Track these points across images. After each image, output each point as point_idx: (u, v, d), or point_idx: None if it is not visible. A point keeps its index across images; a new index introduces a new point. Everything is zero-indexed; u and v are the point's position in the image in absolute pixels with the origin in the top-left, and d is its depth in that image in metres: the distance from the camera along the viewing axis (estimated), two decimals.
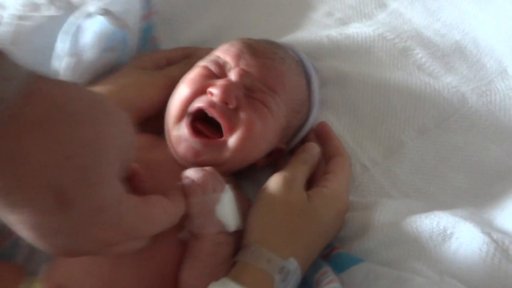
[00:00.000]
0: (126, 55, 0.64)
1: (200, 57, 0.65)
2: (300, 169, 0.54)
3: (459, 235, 0.47)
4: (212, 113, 0.51)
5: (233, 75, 0.54)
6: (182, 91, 0.55)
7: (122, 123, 0.37)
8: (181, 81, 0.57)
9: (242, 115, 0.52)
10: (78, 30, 0.61)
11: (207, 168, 0.49)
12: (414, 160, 0.61)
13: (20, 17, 0.62)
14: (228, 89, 0.51)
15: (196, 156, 0.52)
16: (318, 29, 0.73)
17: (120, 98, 0.56)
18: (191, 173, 0.48)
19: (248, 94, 0.54)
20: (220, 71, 0.56)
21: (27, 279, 0.51)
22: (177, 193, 0.46)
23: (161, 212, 0.41)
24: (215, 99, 0.52)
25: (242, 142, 0.52)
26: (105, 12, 0.60)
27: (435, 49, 0.68)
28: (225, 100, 0.51)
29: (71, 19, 0.60)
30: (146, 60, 0.64)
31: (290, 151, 0.62)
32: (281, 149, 0.60)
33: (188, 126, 0.52)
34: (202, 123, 0.53)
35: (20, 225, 0.33)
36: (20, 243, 0.58)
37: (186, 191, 0.46)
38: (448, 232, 0.48)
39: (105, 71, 0.62)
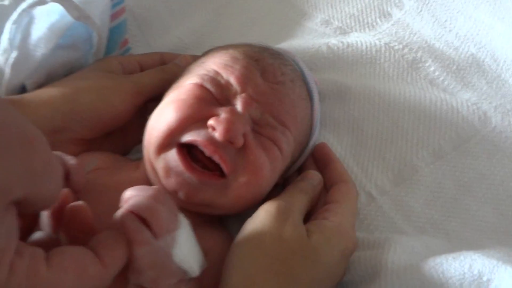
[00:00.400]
0: (90, 56, 0.54)
1: (179, 65, 0.55)
2: (298, 198, 0.44)
3: (499, 283, 0.37)
4: (212, 153, 0.41)
5: (239, 105, 0.44)
6: (170, 115, 0.43)
7: (8, 142, 0.25)
8: (166, 100, 0.47)
9: (250, 156, 0.43)
10: (28, 22, 0.51)
11: (153, 189, 0.35)
12: (430, 189, 0.51)
13: None
14: (234, 126, 0.41)
15: (194, 192, 0.42)
16: (315, 37, 0.64)
17: (74, 103, 0.46)
18: (135, 206, 0.33)
19: (255, 129, 0.44)
20: (221, 95, 0.45)
21: None
22: (114, 239, 0.31)
23: (72, 280, 0.28)
24: (217, 136, 0.41)
25: (247, 188, 0.43)
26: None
27: (449, 62, 0.60)
28: (230, 140, 0.41)
29: (23, 5, 0.50)
30: (114, 62, 0.54)
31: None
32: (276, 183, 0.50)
33: (182, 157, 0.42)
34: (195, 151, 0.43)
35: None
36: None
37: (129, 237, 0.32)
38: (485, 278, 0.38)
39: (62, 72, 0.52)
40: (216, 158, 0.41)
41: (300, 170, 0.53)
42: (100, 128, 0.48)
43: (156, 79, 0.53)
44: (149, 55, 0.59)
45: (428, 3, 0.65)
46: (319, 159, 0.52)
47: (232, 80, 0.45)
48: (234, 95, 0.45)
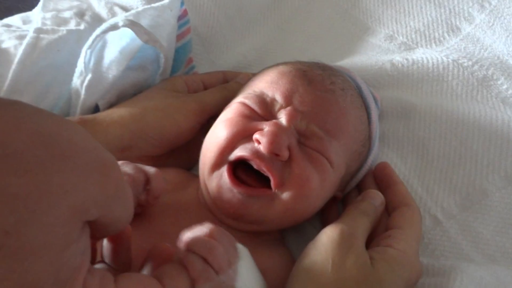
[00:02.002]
0: (157, 76, 0.57)
1: (240, 82, 0.57)
2: (360, 222, 0.43)
3: None
4: (259, 165, 0.42)
5: (284, 118, 0.44)
6: (219, 134, 0.45)
7: (87, 166, 0.26)
8: (218, 120, 0.48)
9: (296, 168, 0.43)
10: (102, 47, 0.54)
11: (208, 227, 0.35)
12: (501, 215, 0.49)
13: (43, 31, 0.57)
14: (278, 138, 0.42)
15: (243, 207, 0.42)
16: (378, 54, 0.64)
17: (142, 122, 0.49)
18: (195, 244, 0.34)
19: (301, 142, 0.44)
20: (265, 111, 0.46)
21: None
22: (178, 271, 0.33)
23: None
24: (262, 149, 0.42)
25: (295, 201, 0.43)
26: (132, 24, 0.53)
27: None
28: (274, 152, 0.42)
29: (96, 32, 0.53)
30: (179, 81, 0.56)
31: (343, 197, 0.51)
32: (336, 197, 0.50)
33: (230, 175, 0.43)
34: (244, 170, 0.44)
35: None
36: None
37: (193, 274, 0.32)
38: None
39: (132, 92, 0.55)
40: (263, 170, 0.42)
41: (360, 187, 0.52)
42: (165, 145, 0.51)
43: (218, 97, 0.55)
44: (212, 73, 0.61)
45: (501, 16, 0.62)
46: (380, 179, 0.50)
47: (278, 96, 0.46)
48: (279, 109, 0.45)
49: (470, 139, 0.52)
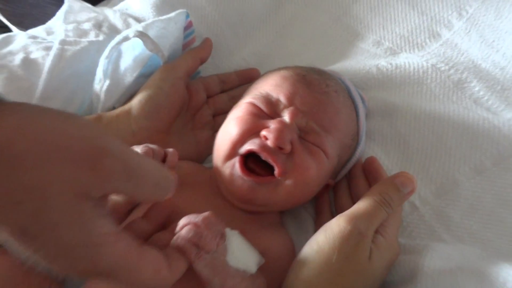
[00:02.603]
0: None
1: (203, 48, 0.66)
2: (377, 217, 0.47)
3: None
4: (266, 157, 0.49)
5: (286, 116, 0.52)
6: (231, 130, 0.52)
7: (79, 160, 0.32)
8: (229, 117, 0.55)
9: (297, 159, 0.50)
10: (118, 56, 0.61)
11: (201, 217, 0.42)
12: (470, 202, 0.56)
13: (67, 42, 0.64)
14: (282, 134, 0.49)
15: (251, 192, 0.50)
16: (366, 58, 0.70)
17: (139, 104, 0.57)
18: (184, 234, 0.41)
19: (302, 136, 0.52)
20: (271, 110, 0.53)
21: None
22: (178, 254, 0.40)
23: (148, 275, 0.37)
24: (269, 143, 0.49)
25: (296, 186, 0.50)
26: (140, 35, 0.60)
27: (494, 82, 0.63)
28: (279, 146, 0.49)
29: (112, 43, 0.60)
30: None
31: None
32: (328, 184, 0.57)
33: (241, 165, 0.50)
34: (253, 160, 0.51)
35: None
36: None
37: (187, 257, 0.40)
38: (509, 285, 0.42)
39: None
40: (269, 161, 0.49)
41: (349, 176, 0.60)
42: (164, 113, 0.58)
43: (187, 59, 0.63)
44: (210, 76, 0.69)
45: (477, 23, 0.69)
46: (369, 172, 0.58)
47: (281, 97, 0.53)
48: (283, 109, 0.52)
49: (445, 135, 0.59)
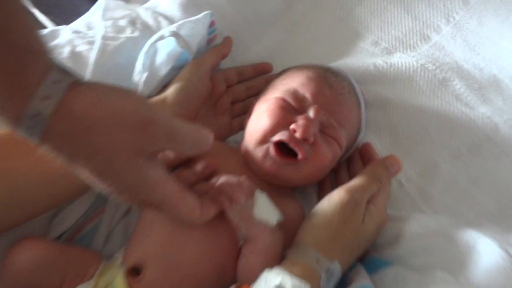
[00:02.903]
0: None
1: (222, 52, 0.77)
2: (369, 190, 0.58)
3: (480, 248, 0.53)
4: (293, 146, 0.60)
5: (311, 112, 0.62)
6: (264, 121, 0.62)
7: (134, 126, 0.43)
8: (261, 109, 0.65)
9: (317, 149, 0.61)
10: (154, 51, 0.72)
11: (238, 178, 0.55)
12: (446, 181, 0.67)
13: (108, 37, 0.74)
14: (308, 128, 0.59)
15: (279, 171, 0.61)
16: (365, 56, 0.80)
17: (176, 91, 0.68)
18: (227, 187, 0.54)
19: (322, 130, 0.63)
20: (298, 106, 0.63)
21: (105, 262, 0.61)
22: (210, 204, 0.54)
23: (186, 211, 0.51)
24: (297, 135, 0.60)
25: (314, 169, 0.62)
26: (174, 34, 0.70)
27: (473, 81, 0.74)
28: (305, 138, 0.59)
29: (149, 41, 0.70)
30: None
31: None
32: (334, 168, 0.69)
33: (276, 150, 0.61)
34: (283, 146, 0.62)
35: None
36: (97, 229, 0.69)
37: (221, 205, 0.54)
38: (471, 244, 0.54)
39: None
40: (296, 149, 0.60)
41: (348, 159, 0.71)
42: (193, 103, 0.69)
43: (210, 56, 0.74)
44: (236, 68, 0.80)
45: (462, 29, 0.79)
46: (364, 155, 0.69)
47: (308, 95, 0.63)
48: (309, 105, 0.63)
49: (429, 125, 0.70)
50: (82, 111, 0.41)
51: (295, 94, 0.64)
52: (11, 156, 0.56)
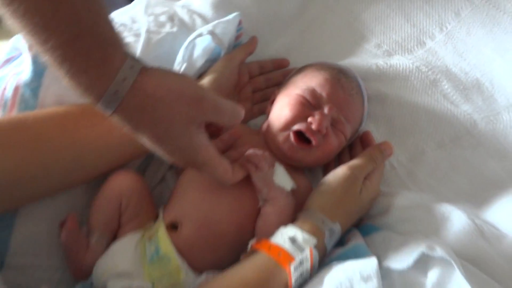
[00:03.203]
0: None
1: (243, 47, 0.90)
2: (366, 168, 0.71)
3: (452, 218, 0.67)
4: (309, 135, 0.73)
5: (326, 109, 0.75)
6: (287, 113, 0.75)
7: (189, 101, 0.55)
8: (284, 102, 0.78)
9: (327, 139, 0.74)
10: (193, 46, 0.85)
11: (261, 152, 0.69)
12: (431, 166, 0.80)
13: (151, 31, 0.87)
14: (322, 122, 0.72)
15: (295, 153, 0.74)
16: (369, 57, 0.93)
17: (210, 82, 0.80)
18: (253, 157, 0.68)
19: (333, 124, 0.76)
20: (315, 102, 0.76)
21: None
22: (239, 169, 0.67)
23: (221, 172, 0.63)
24: (313, 127, 0.73)
25: (323, 154, 0.76)
26: (211, 33, 0.83)
27: (458, 83, 0.86)
28: (320, 130, 0.73)
29: (189, 38, 0.83)
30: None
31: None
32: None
33: (295, 137, 0.74)
34: (300, 134, 0.75)
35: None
36: None
37: (251, 173, 0.67)
38: (446, 215, 0.67)
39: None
40: (311, 138, 0.73)
41: (351, 146, 0.84)
42: (223, 92, 0.81)
43: (239, 53, 0.87)
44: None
45: (453, 37, 0.91)
46: (363, 141, 0.82)
47: (324, 94, 0.76)
48: (324, 103, 0.76)
49: (419, 119, 0.83)
50: (151, 90, 0.53)
51: (313, 93, 0.76)
52: (78, 127, 0.69)
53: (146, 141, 0.58)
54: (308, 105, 0.76)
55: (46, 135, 0.66)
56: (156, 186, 0.85)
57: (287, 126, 0.75)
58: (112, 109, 0.54)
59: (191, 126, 0.57)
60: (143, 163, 0.84)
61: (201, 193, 0.72)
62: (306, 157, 0.75)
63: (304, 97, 0.77)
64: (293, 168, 0.77)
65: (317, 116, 0.73)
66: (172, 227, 0.72)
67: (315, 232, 0.65)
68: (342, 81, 0.79)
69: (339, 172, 0.71)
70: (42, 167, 0.65)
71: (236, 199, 0.71)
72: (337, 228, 0.67)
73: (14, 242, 0.70)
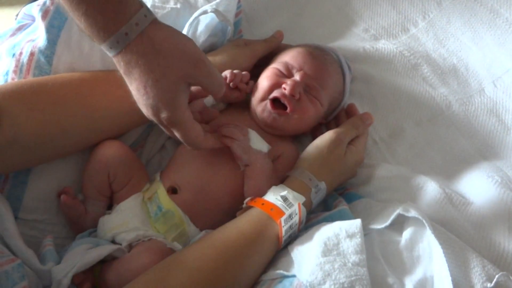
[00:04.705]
0: (224, 39, 0.94)
1: (275, 37, 0.96)
2: (350, 134, 0.79)
3: (425, 187, 0.75)
4: (284, 100, 0.80)
5: (298, 77, 0.82)
6: (264, 84, 0.83)
7: (189, 59, 0.60)
8: (261, 77, 0.85)
9: (302, 104, 0.81)
10: (197, 23, 0.90)
11: (233, 126, 0.76)
12: (409, 142, 0.88)
13: (156, 6, 0.92)
14: (294, 87, 0.79)
15: (273, 121, 0.81)
16: (357, 40, 1.00)
17: (222, 62, 0.86)
18: (227, 131, 0.74)
19: (306, 90, 0.82)
20: (288, 73, 0.83)
21: (148, 183, 0.81)
22: (211, 137, 0.72)
23: (193, 134, 0.67)
24: (286, 92, 0.80)
25: (300, 121, 0.82)
26: (215, 10, 0.89)
27: (437, 67, 0.95)
28: (292, 94, 0.79)
29: (194, 15, 0.89)
30: (240, 41, 0.94)
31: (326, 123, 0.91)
32: (321, 122, 0.89)
33: (271, 104, 0.81)
34: (278, 102, 0.81)
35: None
36: (139, 157, 0.88)
37: (229, 144, 0.74)
38: (420, 185, 0.76)
39: (210, 48, 0.93)
40: (285, 103, 0.80)
41: (336, 117, 0.91)
42: None
43: (263, 46, 0.93)
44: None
45: (434, 25, 0.99)
46: (348, 112, 0.89)
47: (295, 64, 0.83)
48: (296, 72, 0.83)
49: (400, 99, 0.91)
50: (158, 40, 0.59)
51: (286, 64, 0.84)
52: (93, 93, 0.75)
53: (132, 89, 0.62)
54: (282, 75, 0.83)
55: (63, 99, 0.71)
56: (156, 154, 0.92)
57: (264, 96, 0.82)
58: (118, 49, 0.59)
59: (182, 83, 0.61)
60: (145, 131, 0.89)
61: (200, 164, 0.79)
62: (284, 123, 0.82)
63: (277, 69, 0.84)
64: (280, 137, 0.84)
65: (289, 81, 0.80)
66: (172, 191, 0.79)
67: (303, 188, 0.73)
68: (314, 53, 0.86)
69: (325, 136, 0.79)
70: (60, 129, 0.71)
71: (231, 171, 0.78)
72: (323, 186, 0.75)
73: (27, 199, 0.76)
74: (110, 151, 0.77)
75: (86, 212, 0.78)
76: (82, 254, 0.67)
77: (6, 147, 0.65)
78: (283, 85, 0.80)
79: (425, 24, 1.00)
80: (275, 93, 0.81)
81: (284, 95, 0.80)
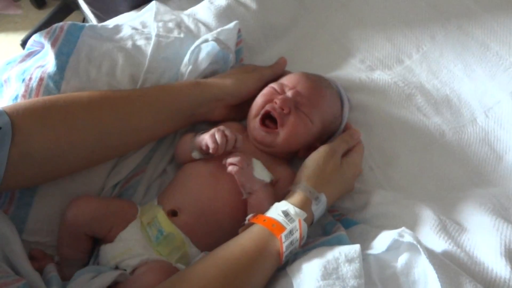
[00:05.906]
0: (226, 67, 0.98)
1: (280, 64, 1.00)
2: (342, 146, 0.84)
3: (421, 214, 0.77)
4: (273, 113, 0.84)
5: (289, 94, 0.86)
6: (258, 100, 0.87)
7: None
8: (259, 94, 0.89)
9: (291, 118, 0.84)
10: (198, 50, 0.94)
11: (239, 155, 0.78)
12: (404, 170, 0.91)
13: (160, 35, 0.95)
14: (284, 101, 0.84)
15: (262, 139, 0.85)
16: (353, 71, 1.04)
17: (229, 85, 0.90)
18: (232, 160, 0.77)
19: (297, 107, 0.86)
20: (281, 91, 0.88)
21: (140, 206, 0.82)
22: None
23: None
24: (276, 106, 0.84)
25: (288, 135, 0.85)
26: (216, 39, 0.93)
27: (430, 98, 0.98)
28: (281, 107, 0.83)
29: (196, 43, 0.92)
30: (249, 66, 0.98)
31: None
32: (316, 146, 0.92)
33: (259, 121, 0.85)
34: (270, 120, 0.85)
35: None
36: (140, 183, 0.90)
37: (233, 172, 0.76)
38: (415, 212, 0.78)
39: (212, 75, 0.96)
40: (275, 115, 0.83)
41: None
42: (241, 98, 0.92)
43: (269, 72, 0.97)
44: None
45: (428, 58, 1.03)
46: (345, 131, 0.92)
47: (289, 83, 0.88)
48: (288, 90, 0.87)
49: (395, 127, 0.94)
50: None
51: (281, 84, 0.89)
52: (101, 109, 0.77)
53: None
54: (276, 93, 0.88)
55: (73, 115, 0.74)
56: (157, 178, 0.94)
57: (257, 111, 0.86)
58: None
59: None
60: (147, 155, 0.92)
61: (201, 186, 0.81)
62: (273, 141, 0.85)
63: (273, 88, 0.89)
64: (276, 160, 0.87)
65: (280, 96, 0.85)
66: (172, 214, 0.81)
67: (304, 201, 0.75)
68: (310, 76, 0.91)
69: (319, 149, 0.83)
70: (70, 144, 0.73)
71: (231, 193, 0.80)
72: (322, 198, 0.77)
73: (31, 220, 0.78)
74: (79, 211, 0.76)
75: (63, 273, 0.77)
76: (88, 286, 0.68)
77: (18, 162, 0.67)
78: (275, 100, 0.85)
79: (419, 56, 1.04)
80: (267, 107, 0.85)
81: (274, 108, 0.84)
